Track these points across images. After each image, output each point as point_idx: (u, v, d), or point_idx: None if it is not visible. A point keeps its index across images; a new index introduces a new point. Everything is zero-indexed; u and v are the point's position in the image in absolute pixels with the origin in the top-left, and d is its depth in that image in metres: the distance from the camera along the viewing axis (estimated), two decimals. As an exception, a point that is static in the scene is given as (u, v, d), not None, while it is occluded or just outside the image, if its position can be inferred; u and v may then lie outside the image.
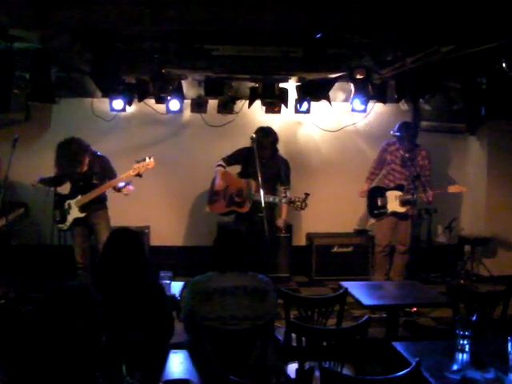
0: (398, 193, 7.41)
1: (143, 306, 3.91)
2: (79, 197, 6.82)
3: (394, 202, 7.44)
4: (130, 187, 6.89)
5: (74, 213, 6.85)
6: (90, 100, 8.46)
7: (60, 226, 6.92)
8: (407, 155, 7.34)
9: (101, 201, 6.98)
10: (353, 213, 8.91)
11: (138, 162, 6.83)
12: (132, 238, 4.16)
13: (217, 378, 3.16)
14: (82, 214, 6.84)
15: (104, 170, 6.92)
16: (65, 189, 7.15)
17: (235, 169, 7.52)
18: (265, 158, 7.09)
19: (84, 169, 6.77)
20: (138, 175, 6.85)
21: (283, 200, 7.04)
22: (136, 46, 6.11)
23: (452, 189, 7.40)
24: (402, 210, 7.41)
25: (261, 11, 4.33)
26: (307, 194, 6.93)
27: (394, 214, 7.46)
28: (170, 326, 4.10)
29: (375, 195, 7.61)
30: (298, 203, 6.93)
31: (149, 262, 4.32)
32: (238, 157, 7.44)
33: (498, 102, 5.55)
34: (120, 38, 5.68)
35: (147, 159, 6.82)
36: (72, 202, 6.85)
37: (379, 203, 7.54)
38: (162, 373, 3.60)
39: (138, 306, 3.88)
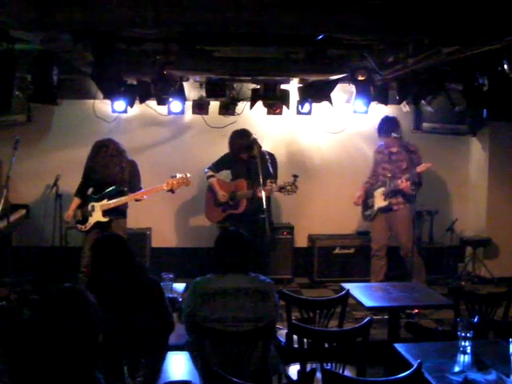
0: (382, 189, 7.50)
1: (140, 304, 3.94)
2: (105, 201, 6.76)
3: (379, 198, 7.54)
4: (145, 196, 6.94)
5: (97, 216, 6.77)
6: (91, 101, 8.47)
7: (80, 226, 6.86)
8: (394, 150, 7.45)
9: (124, 209, 6.95)
10: (354, 214, 8.87)
11: (172, 176, 6.81)
12: (113, 242, 4.27)
13: (218, 379, 3.16)
14: (105, 219, 6.77)
15: (132, 178, 6.92)
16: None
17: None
18: (252, 156, 7.25)
19: (117, 172, 6.76)
20: (171, 191, 6.85)
21: (274, 188, 6.98)
22: (137, 48, 6.10)
23: (419, 168, 7.32)
24: (384, 203, 7.47)
25: (262, 13, 4.33)
26: (296, 176, 6.95)
27: (380, 209, 7.53)
28: (169, 319, 4.16)
29: (367, 198, 7.72)
30: (289, 187, 6.95)
31: (137, 260, 4.38)
32: (225, 162, 7.65)
33: (500, 103, 5.54)
34: (121, 40, 5.68)
35: (183, 176, 6.83)
36: (96, 204, 6.78)
37: (369, 204, 7.67)
38: (161, 371, 3.60)
39: (134, 305, 3.92)
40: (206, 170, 7.64)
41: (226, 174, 7.84)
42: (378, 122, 7.52)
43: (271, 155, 7.41)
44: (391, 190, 7.40)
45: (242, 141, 7.31)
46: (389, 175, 7.47)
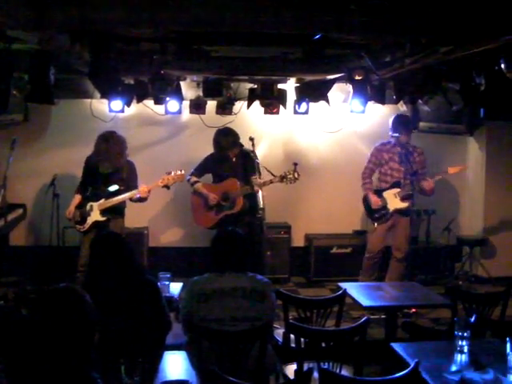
0: (396, 189, 7.23)
1: (136, 303, 3.95)
2: (102, 200, 6.75)
3: (394, 199, 7.23)
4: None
5: (95, 216, 6.76)
6: (88, 101, 8.46)
7: (78, 227, 6.84)
8: (404, 151, 7.20)
9: (121, 208, 6.94)
10: (351, 214, 8.91)
11: (168, 173, 6.85)
12: (111, 241, 4.29)
13: (215, 379, 3.16)
14: (103, 218, 6.75)
15: (129, 178, 6.89)
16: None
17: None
18: (235, 155, 7.31)
19: (118, 165, 6.76)
20: (166, 187, 6.87)
21: (275, 179, 6.92)
22: (135, 47, 6.10)
23: (452, 170, 7.19)
24: (404, 205, 7.20)
25: (260, 12, 4.33)
26: (296, 164, 6.93)
27: (396, 211, 7.26)
28: (166, 318, 4.17)
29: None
30: (290, 175, 6.89)
31: (135, 260, 4.38)
32: (209, 164, 7.56)
33: (497, 103, 5.54)
34: (119, 39, 5.68)
35: (178, 172, 6.86)
36: (94, 204, 6.77)
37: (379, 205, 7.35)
38: (158, 371, 3.61)
39: (131, 304, 3.92)
40: (189, 177, 7.47)
41: (207, 179, 7.76)
42: (397, 119, 7.27)
43: (253, 152, 7.36)
44: (409, 193, 7.14)
45: (228, 138, 7.25)
46: (397, 175, 7.29)
